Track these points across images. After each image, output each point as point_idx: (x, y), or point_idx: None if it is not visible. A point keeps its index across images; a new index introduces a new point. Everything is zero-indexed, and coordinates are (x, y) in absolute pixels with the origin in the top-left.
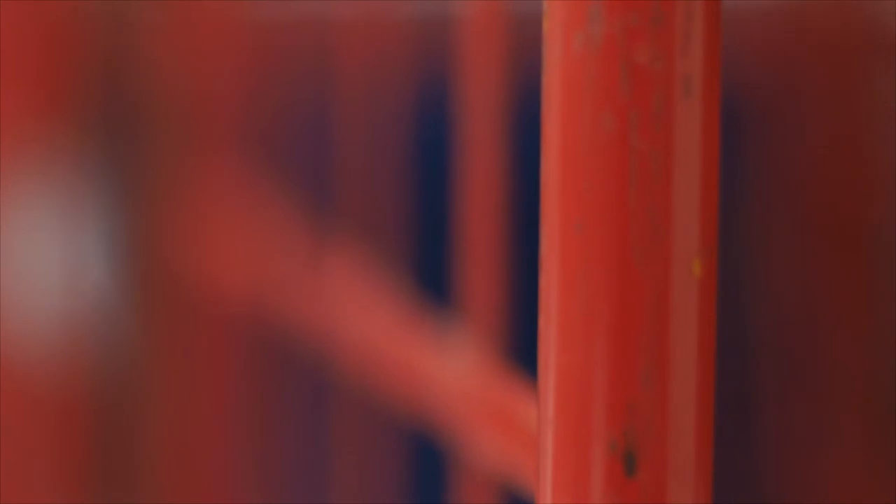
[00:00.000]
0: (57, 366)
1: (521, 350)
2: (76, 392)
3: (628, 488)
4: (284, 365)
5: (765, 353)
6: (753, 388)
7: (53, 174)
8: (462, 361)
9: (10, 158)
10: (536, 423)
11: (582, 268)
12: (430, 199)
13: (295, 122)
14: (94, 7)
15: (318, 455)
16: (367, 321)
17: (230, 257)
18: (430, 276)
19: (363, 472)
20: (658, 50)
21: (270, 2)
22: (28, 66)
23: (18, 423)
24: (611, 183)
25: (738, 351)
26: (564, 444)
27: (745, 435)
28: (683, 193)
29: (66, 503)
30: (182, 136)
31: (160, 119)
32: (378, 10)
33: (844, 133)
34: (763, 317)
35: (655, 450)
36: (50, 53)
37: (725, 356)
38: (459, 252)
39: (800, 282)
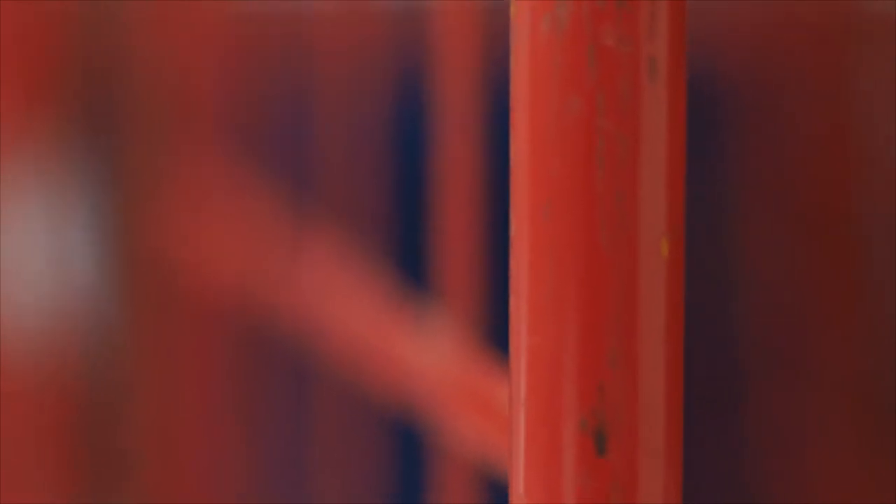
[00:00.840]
0: (48, 358)
1: (496, 333)
2: (67, 384)
3: (599, 467)
4: (270, 354)
5: (755, 350)
6: (744, 385)
7: (42, 169)
8: (440, 346)
9: (3, 154)
10: (508, 404)
11: (550, 250)
12: (406, 186)
13: (275, 113)
14: (82, 4)
15: (302, 441)
16: (346, 307)
17: (216, 248)
18: (408, 262)
19: (345, 457)
20: (624, 32)
21: None
22: (17, 62)
23: (12, 415)
24: (578, 165)
25: (728, 347)
26: (536, 425)
27: (736, 432)
28: (650, 175)
29: (58, 494)
30: (166, 130)
31: (145, 113)
32: (356, 4)
33: (835, 123)
34: (752, 312)
35: (625, 429)
36: (38, 49)
37: (716, 352)
38: (436, 238)
39: (790, 277)
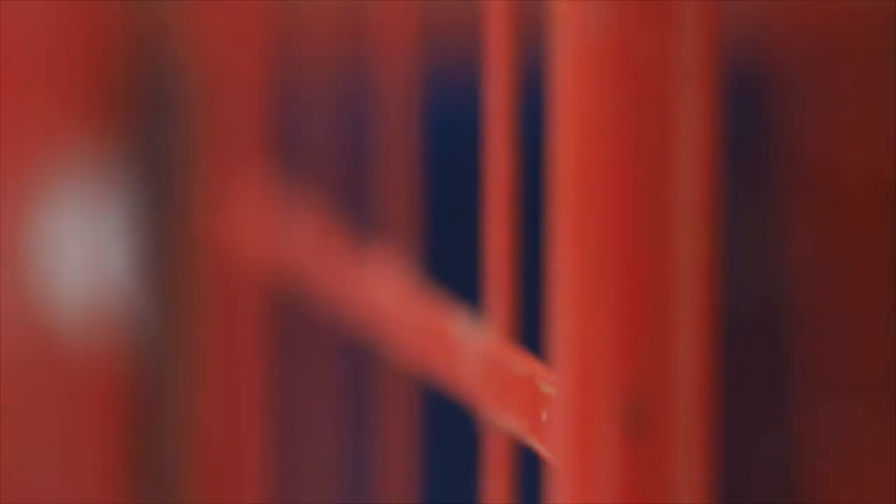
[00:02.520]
0: (94, 343)
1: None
2: (115, 367)
3: (635, 451)
4: (302, 329)
5: (803, 353)
6: (786, 384)
7: (87, 164)
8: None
9: (47, 150)
10: (551, 393)
11: (594, 245)
12: (444, 187)
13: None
14: (124, 6)
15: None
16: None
17: (255, 237)
18: (446, 264)
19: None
20: (664, 37)
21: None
22: (60, 60)
23: (64, 399)
24: (617, 165)
25: (777, 351)
26: (576, 410)
27: (781, 434)
28: (685, 177)
29: (103, 479)
30: (210, 130)
31: (188, 112)
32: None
33: (876, 114)
34: (791, 308)
35: (661, 415)
36: (81, 48)
37: (764, 356)
38: (474, 239)
39: (838, 278)
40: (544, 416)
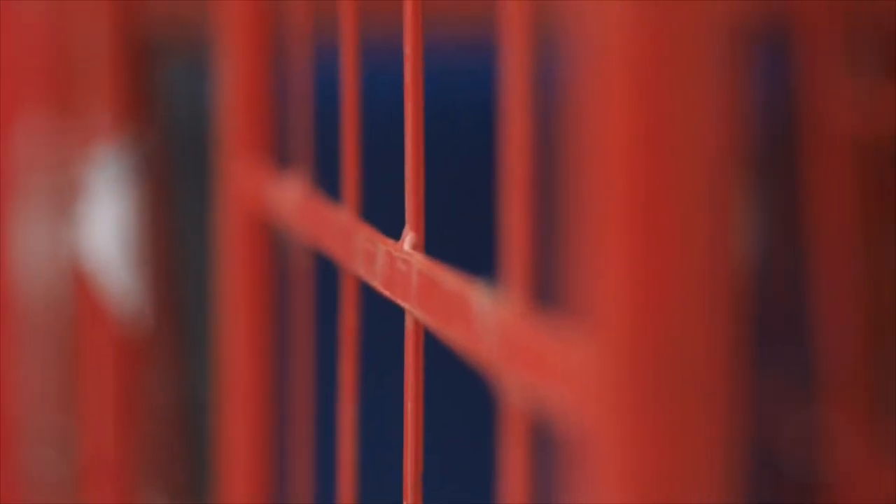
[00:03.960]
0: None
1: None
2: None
3: (661, 414)
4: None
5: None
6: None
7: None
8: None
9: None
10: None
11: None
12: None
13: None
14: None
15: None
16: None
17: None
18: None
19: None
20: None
21: None
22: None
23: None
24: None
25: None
26: (599, 376)
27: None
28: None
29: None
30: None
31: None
32: None
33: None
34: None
35: (687, 379)
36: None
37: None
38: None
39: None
40: (562, 386)
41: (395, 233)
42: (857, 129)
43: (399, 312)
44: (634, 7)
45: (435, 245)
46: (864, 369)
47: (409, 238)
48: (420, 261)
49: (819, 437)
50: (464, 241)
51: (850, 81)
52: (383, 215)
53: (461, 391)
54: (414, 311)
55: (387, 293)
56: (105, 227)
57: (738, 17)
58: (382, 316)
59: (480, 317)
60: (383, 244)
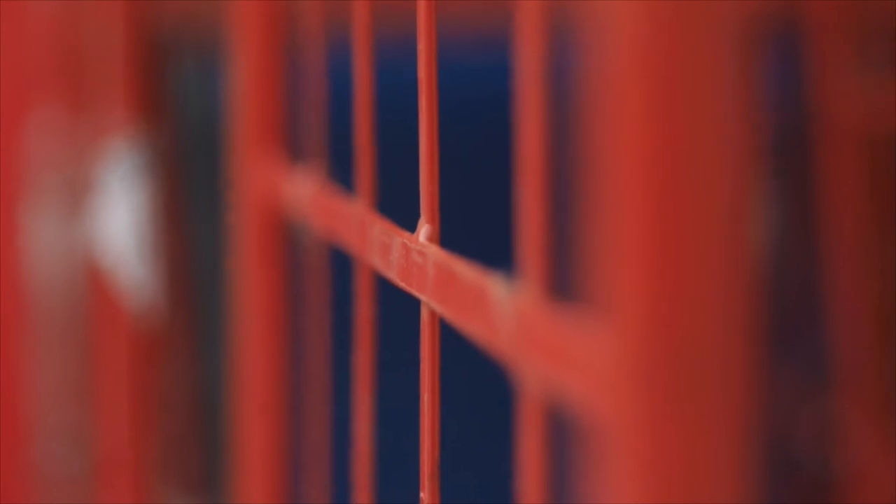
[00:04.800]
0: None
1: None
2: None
3: (680, 406)
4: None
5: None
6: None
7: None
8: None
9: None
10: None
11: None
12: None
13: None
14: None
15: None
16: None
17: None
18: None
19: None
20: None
21: None
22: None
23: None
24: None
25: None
26: (617, 366)
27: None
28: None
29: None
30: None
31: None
32: None
33: None
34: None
35: (706, 370)
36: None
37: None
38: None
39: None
40: (580, 377)
41: (409, 226)
42: (869, 126)
43: (414, 304)
44: (649, 3)
45: (450, 238)
46: (878, 363)
47: (424, 230)
48: (436, 252)
49: (833, 431)
50: (480, 233)
51: (861, 78)
52: (398, 209)
53: (478, 383)
54: (430, 303)
55: (403, 285)
56: (119, 223)
57: (752, 15)
58: (397, 308)
59: (497, 308)
60: (399, 236)
